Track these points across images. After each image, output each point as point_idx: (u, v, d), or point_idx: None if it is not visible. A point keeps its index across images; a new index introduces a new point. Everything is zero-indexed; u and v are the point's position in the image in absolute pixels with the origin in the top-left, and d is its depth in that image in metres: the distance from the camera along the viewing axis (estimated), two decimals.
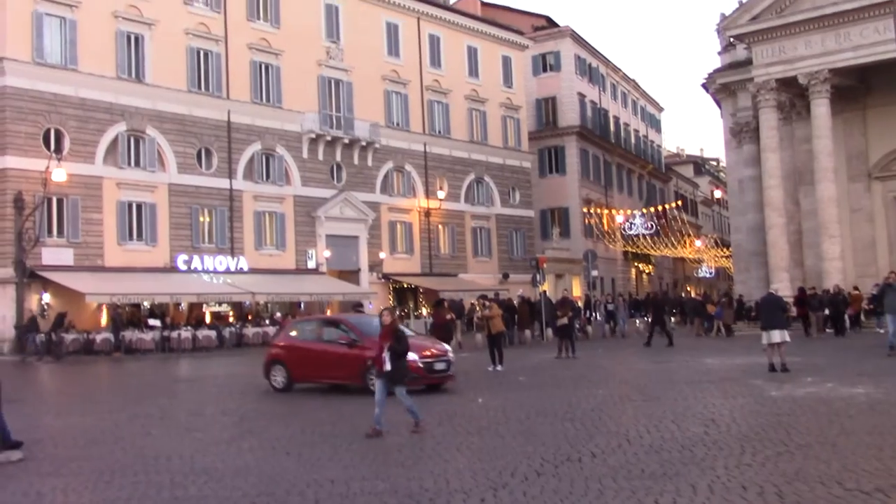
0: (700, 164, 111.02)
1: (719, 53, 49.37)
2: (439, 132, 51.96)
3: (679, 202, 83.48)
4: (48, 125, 34.85)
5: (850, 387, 15.89)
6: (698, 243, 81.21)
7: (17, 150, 33.79)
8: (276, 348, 19.62)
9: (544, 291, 38.34)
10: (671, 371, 20.89)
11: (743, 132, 46.12)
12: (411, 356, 16.72)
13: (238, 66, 41.43)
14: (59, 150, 34.57)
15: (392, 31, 49.43)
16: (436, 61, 51.99)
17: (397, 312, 30.45)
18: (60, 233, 35.00)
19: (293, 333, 20.01)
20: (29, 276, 33.45)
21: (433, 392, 17.08)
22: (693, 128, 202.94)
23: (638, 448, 10.43)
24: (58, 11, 35.29)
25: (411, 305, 48.33)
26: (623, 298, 45.67)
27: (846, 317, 34.22)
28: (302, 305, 42.79)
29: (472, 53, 54.67)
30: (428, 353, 17.72)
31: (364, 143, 46.59)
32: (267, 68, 42.81)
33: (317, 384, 18.80)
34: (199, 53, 40.04)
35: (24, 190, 33.38)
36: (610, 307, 40.71)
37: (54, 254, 34.57)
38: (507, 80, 57.25)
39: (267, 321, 39.56)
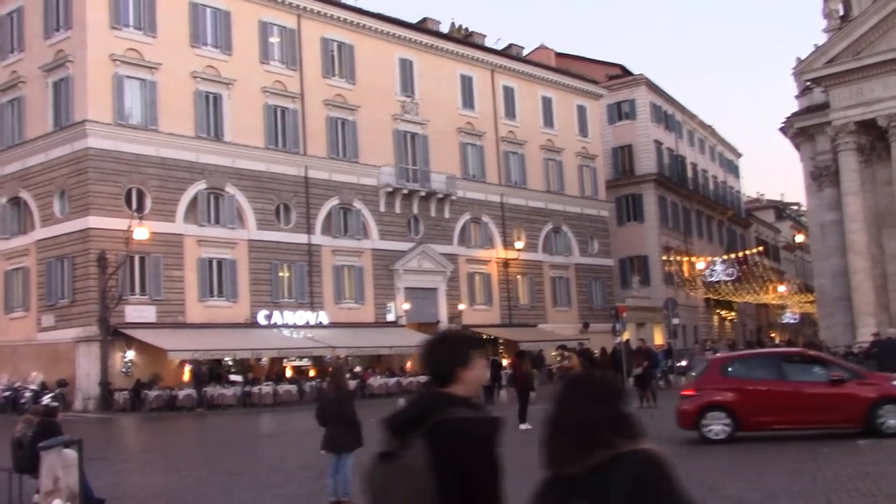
0: (781, 209, 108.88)
1: (796, 97, 48.43)
2: (515, 183, 51.75)
3: (760, 248, 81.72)
4: (130, 185, 35.54)
5: None
6: (782, 289, 79.21)
7: (100, 210, 34.50)
8: (714, 391, 16.17)
9: (627, 340, 37.40)
10: None
11: (823, 176, 44.93)
12: None
13: (314, 122, 41.92)
14: (140, 209, 35.25)
15: (466, 83, 49.61)
16: (510, 112, 51.98)
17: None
18: (143, 290, 35.48)
19: (732, 372, 16.67)
20: (113, 334, 33.88)
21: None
22: (773, 173, 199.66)
23: (720, 499, 9.97)
24: (138, 74, 36.20)
25: (491, 357, 47.71)
26: (702, 346, 43.77)
27: None
28: (381, 359, 42.63)
29: (547, 104, 54.53)
30: None
31: (441, 196, 46.58)
32: (343, 124, 43.22)
33: (766, 431, 16.15)
34: (276, 111, 40.62)
35: (108, 249, 33.95)
36: (709, 354, 38.12)
37: (137, 311, 35.04)
38: (583, 129, 56.92)
39: (347, 375, 39.36)
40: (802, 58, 41.92)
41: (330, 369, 12.68)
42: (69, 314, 34.98)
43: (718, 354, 37.69)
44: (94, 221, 34.37)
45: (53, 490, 10.64)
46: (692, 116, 74.32)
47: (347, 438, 11.25)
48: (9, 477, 11.48)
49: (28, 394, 31.17)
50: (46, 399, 24.45)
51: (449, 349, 3.49)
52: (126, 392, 33.32)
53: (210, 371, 35.93)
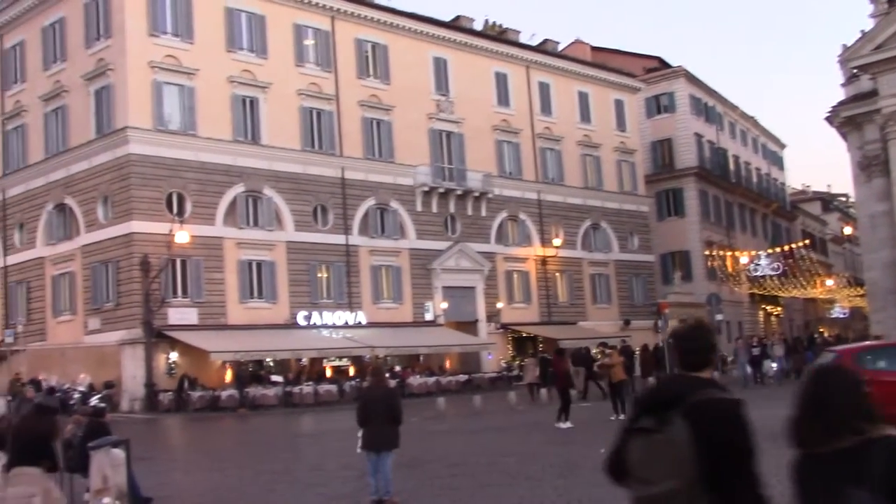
0: (827, 201, 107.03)
1: (843, 85, 47.60)
2: (553, 179, 51.54)
3: (807, 241, 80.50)
4: (170, 189, 36.00)
5: None
6: (830, 283, 77.94)
7: (142, 214, 35.02)
8: None
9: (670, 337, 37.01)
10: None
11: (872, 166, 44.09)
12: None
13: (350, 123, 42.12)
14: (181, 213, 35.74)
15: (501, 80, 49.51)
16: (546, 108, 51.76)
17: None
18: (185, 293, 35.91)
19: (868, 363, 15.61)
20: (156, 336, 34.36)
21: None
22: (819, 164, 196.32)
23: (779, 499, 9.73)
24: (176, 80, 36.63)
25: (531, 353, 47.61)
26: (744, 341, 43.01)
27: None
28: (421, 358, 42.75)
29: (584, 99, 54.23)
30: None
31: (477, 194, 46.56)
32: (378, 124, 43.38)
33: None
34: (311, 113, 40.87)
35: (150, 253, 34.44)
36: (755, 351, 36.87)
37: (180, 313, 35.47)
38: (621, 123, 56.53)
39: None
40: (849, 44, 41.22)
41: (370, 368, 12.76)
42: (114, 317, 35.56)
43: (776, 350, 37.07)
44: (136, 226, 34.88)
45: (103, 489, 10.87)
46: (733, 108, 73.34)
47: (390, 437, 11.30)
48: (60, 476, 11.74)
49: (77, 395, 31.77)
50: (94, 400, 24.93)
51: (705, 337, 3.98)
52: (170, 393, 33.81)
53: (251, 372, 36.34)
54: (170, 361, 35.10)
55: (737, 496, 3.57)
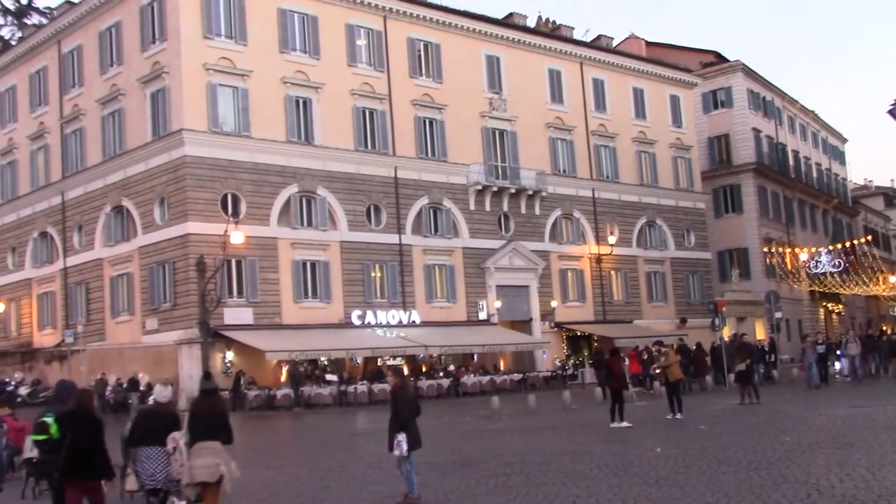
0: (891, 196, 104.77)
1: None
2: (607, 177, 51.04)
3: (869, 237, 78.78)
4: (225, 190, 36.35)
5: None
6: (893, 279, 76.16)
7: (198, 215, 35.40)
8: None
9: (735, 334, 36.41)
10: (866, 416, 19.30)
11: None
12: None
13: (403, 122, 42.12)
14: (236, 213, 36.02)
15: (555, 77, 49.15)
16: (601, 105, 51.27)
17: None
18: (240, 293, 36.24)
19: None
20: (213, 336, 34.63)
21: None
22: (882, 158, 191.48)
23: (829, 499, 9.58)
24: (230, 82, 36.96)
25: (586, 354, 47.26)
26: (810, 341, 41.73)
27: None
28: (475, 357, 42.60)
29: (639, 95, 53.63)
30: None
31: (531, 192, 46.26)
32: (431, 123, 43.33)
33: None
34: (364, 113, 40.94)
35: (206, 253, 34.70)
36: (820, 349, 33.84)
37: (235, 313, 35.79)
38: (676, 119, 55.81)
39: (441, 373, 39.52)
40: None
41: (392, 369, 12.93)
42: (171, 317, 36.00)
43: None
44: (192, 227, 35.28)
45: None
46: (793, 102, 72.22)
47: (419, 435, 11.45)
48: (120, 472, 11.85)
49: (135, 394, 32.26)
50: (152, 399, 25.20)
51: None
52: (227, 392, 34.04)
53: (306, 371, 36.52)
54: (226, 361, 35.45)
55: None
